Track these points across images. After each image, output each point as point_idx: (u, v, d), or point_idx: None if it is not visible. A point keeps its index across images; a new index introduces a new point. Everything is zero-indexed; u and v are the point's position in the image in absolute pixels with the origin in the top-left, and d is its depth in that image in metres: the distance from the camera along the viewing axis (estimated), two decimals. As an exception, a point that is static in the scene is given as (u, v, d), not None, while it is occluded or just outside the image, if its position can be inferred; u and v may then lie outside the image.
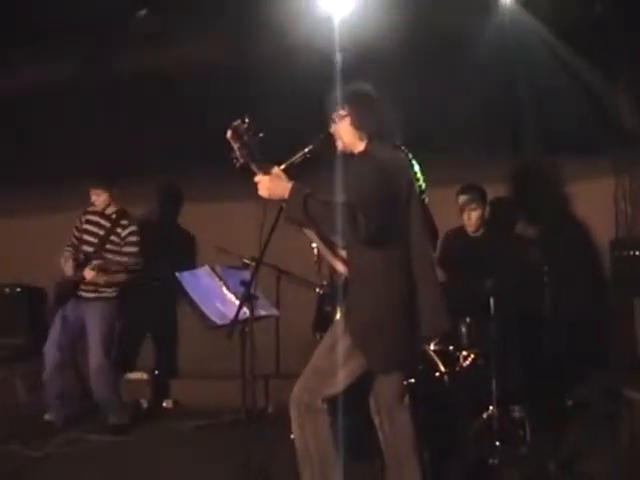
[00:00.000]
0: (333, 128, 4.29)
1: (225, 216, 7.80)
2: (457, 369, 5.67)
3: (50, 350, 6.63)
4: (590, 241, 6.95)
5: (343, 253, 4.23)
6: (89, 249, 6.73)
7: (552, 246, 6.68)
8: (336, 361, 4.08)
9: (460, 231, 6.38)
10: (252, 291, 4.26)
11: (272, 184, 3.98)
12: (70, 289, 6.67)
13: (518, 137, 6.70)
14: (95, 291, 6.69)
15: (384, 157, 4.10)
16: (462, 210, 6.27)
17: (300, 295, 6.53)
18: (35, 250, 7.54)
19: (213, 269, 4.99)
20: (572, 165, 6.93)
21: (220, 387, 7.21)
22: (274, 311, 5.12)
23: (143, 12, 6.48)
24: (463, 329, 5.79)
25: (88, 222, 6.84)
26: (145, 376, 7.63)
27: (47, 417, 6.82)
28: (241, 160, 3.92)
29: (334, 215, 3.84)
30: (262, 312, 4.87)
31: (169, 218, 8.21)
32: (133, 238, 6.76)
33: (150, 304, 7.90)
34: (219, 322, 4.64)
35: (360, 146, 4.25)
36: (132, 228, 6.77)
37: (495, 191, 6.71)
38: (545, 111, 6.54)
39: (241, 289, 4.50)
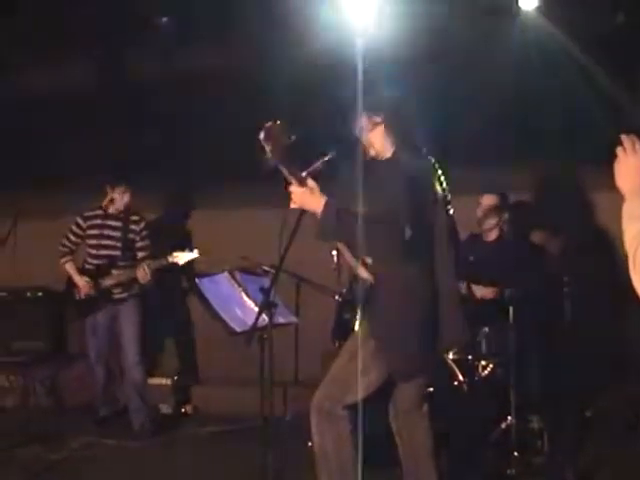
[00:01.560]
0: (363, 136, 4.28)
1: (244, 223, 7.80)
2: (476, 379, 5.65)
3: (98, 367, 6.84)
4: (611, 251, 6.89)
5: (368, 259, 4.21)
6: (114, 253, 6.73)
7: (573, 255, 6.64)
8: (356, 369, 4.08)
9: (476, 238, 6.34)
10: (271, 298, 4.25)
11: (306, 197, 4.01)
12: (99, 300, 6.72)
13: (540, 144, 6.64)
14: (126, 290, 6.72)
15: (412, 164, 4.10)
16: (484, 213, 6.22)
17: (319, 303, 6.50)
18: (56, 253, 7.54)
19: (232, 275, 4.97)
20: (594, 173, 6.80)
21: (239, 394, 7.19)
22: (293, 319, 5.10)
23: (163, 19, 6.48)
24: (482, 338, 5.76)
25: (96, 227, 6.80)
26: (168, 381, 7.61)
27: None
28: (272, 163, 3.92)
29: (367, 228, 3.85)
30: (281, 319, 4.84)
31: (183, 223, 8.22)
32: (146, 232, 6.81)
33: (170, 307, 7.93)
34: (239, 329, 4.62)
35: (388, 152, 4.25)
36: (144, 222, 6.83)
37: (515, 198, 6.65)
38: (568, 119, 6.49)
39: (260, 296, 4.50)
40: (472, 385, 5.57)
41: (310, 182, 4.06)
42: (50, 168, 7.75)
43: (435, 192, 4.20)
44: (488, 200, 6.23)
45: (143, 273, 6.51)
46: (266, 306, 4.13)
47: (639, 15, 6.25)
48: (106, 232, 6.77)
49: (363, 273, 4.21)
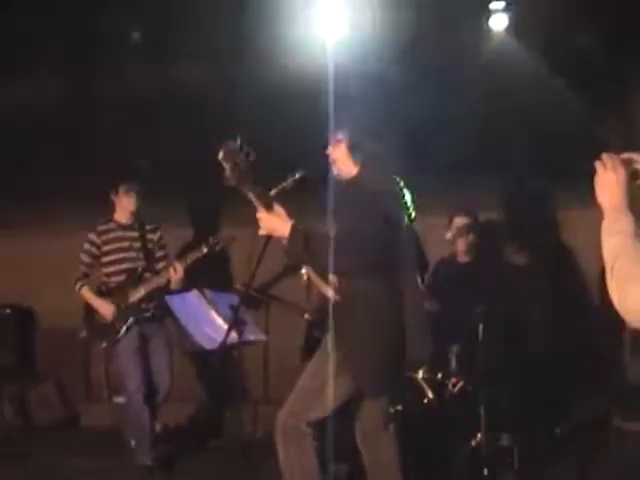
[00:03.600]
0: (329, 151, 4.30)
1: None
2: (446, 396, 5.63)
3: (138, 397, 6.02)
4: (579, 270, 6.94)
5: (334, 279, 4.23)
6: (138, 265, 6.16)
7: (541, 274, 6.65)
8: (321, 385, 4.10)
9: (451, 259, 6.32)
10: (240, 315, 4.25)
11: (273, 223, 4.02)
12: (128, 317, 6.05)
13: (509, 163, 6.66)
14: (158, 307, 6.02)
15: (377, 184, 4.11)
16: (455, 234, 6.17)
17: (290, 321, 6.44)
18: (24, 271, 7.47)
19: (202, 293, 4.97)
20: (562, 192, 6.91)
21: (208, 411, 7.16)
22: (262, 336, 5.10)
23: (136, 35, 6.46)
24: (452, 356, 5.75)
25: (113, 240, 6.19)
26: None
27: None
28: (232, 182, 3.93)
29: (333, 246, 3.89)
30: (251, 337, 4.85)
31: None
32: (163, 241, 6.36)
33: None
34: (208, 347, 4.62)
35: (353, 171, 4.25)
36: (160, 231, 6.35)
37: (485, 217, 6.64)
38: (537, 137, 6.52)
39: (230, 313, 4.50)
40: (442, 403, 5.55)
41: (277, 208, 4.08)
42: (21, 185, 7.64)
43: (400, 210, 4.22)
44: (459, 221, 6.18)
45: (175, 271, 5.91)
46: (235, 323, 4.11)
47: (604, 34, 6.29)
48: (126, 244, 6.19)
49: (329, 292, 4.22)
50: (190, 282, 5.78)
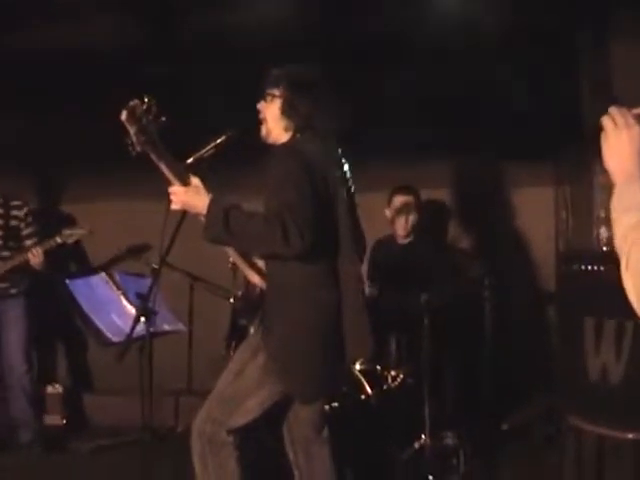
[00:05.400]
0: (260, 105, 3.72)
1: (131, 216, 7.14)
2: (384, 388, 5.16)
3: None
4: (531, 253, 6.53)
5: (260, 263, 3.74)
6: None
7: (490, 258, 6.21)
8: (245, 387, 3.55)
9: (390, 239, 5.91)
10: (152, 303, 3.66)
11: (188, 197, 3.45)
12: None
13: (455, 138, 6.16)
14: (13, 285, 6.05)
15: (311, 151, 3.53)
16: (396, 213, 5.80)
17: (216, 304, 5.96)
18: None
19: (111, 276, 4.37)
20: (511, 170, 6.52)
21: (126, 403, 6.59)
22: (180, 326, 4.52)
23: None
24: (392, 346, 5.28)
25: None
26: (58, 390, 6.87)
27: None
28: (137, 148, 3.32)
29: (260, 229, 3.32)
30: (166, 327, 4.28)
31: (62, 216, 7.38)
32: (31, 218, 6.18)
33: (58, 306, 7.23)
34: (115, 339, 4.03)
35: (283, 137, 3.68)
36: (27, 207, 6.20)
37: (427, 195, 6.23)
38: (485, 112, 6.06)
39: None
40: (381, 398, 5.09)
41: (193, 179, 3.51)
42: None
43: (338, 185, 3.64)
44: (400, 200, 5.81)
45: (34, 255, 5.88)
46: (143, 313, 3.52)
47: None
48: None
49: (254, 278, 3.74)
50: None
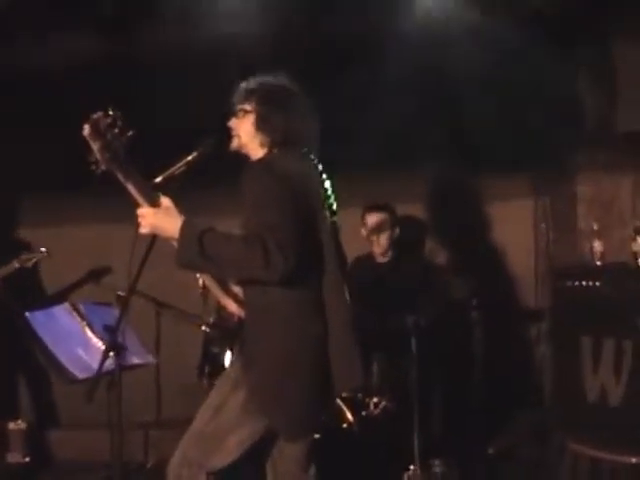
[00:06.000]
0: (232, 122, 3.45)
1: (96, 240, 6.83)
2: (365, 415, 4.94)
3: None
4: (510, 268, 6.31)
5: (237, 289, 3.44)
6: None
7: (472, 275, 5.98)
8: (225, 424, 3.24)
9: (368, 258, 5.71)
10: (121, 335, 3.37)
11: (157, 219, 3.13)
12: None
13: (430, 150, 5.97)
14: None
15: (289, 167, 3.26)
16: (370, 232, 5.62)
17: (185, 331, 5.73)
18: None
19: (75, 307, 4.06)
20: (490, 182, 6.29)
21: (93, 438, 6.28)
22: (150, 359, 4.23)
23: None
24: (374, 372, 5.04)
25: None
26: (22, 425, 6.46)
27: None
28: (102, 166, 3.01)
29: (238, 252, 3.03)
30: (135, 360, 3.99)
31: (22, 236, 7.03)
32: None
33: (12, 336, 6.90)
34: (80, 375, 3.72)
35: (259, 153, 3.40)
36: None
37: (404, 210, 6.02)
38: (462, 122, 5.86)
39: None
40: (364, 426, 4.86)
41: (163, 200, 3.20)
42: None
43: (320, 203, 3.37)
44: (374, 218, 5.64)
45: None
46: (112, 348, 3.22)
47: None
48: None
49: (231, 306, 3.45)
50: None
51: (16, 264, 5.78)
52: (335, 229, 3.45)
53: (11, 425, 6.40)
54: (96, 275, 6.52)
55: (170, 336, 5.88)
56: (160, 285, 5.60)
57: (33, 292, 6.74)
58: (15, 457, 6.40)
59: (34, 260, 5.87)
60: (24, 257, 5.80)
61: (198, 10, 5.49)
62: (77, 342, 3.90)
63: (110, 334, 3.32)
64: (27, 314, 3.87)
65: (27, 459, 6.43)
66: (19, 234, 6.96)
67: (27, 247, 6.25)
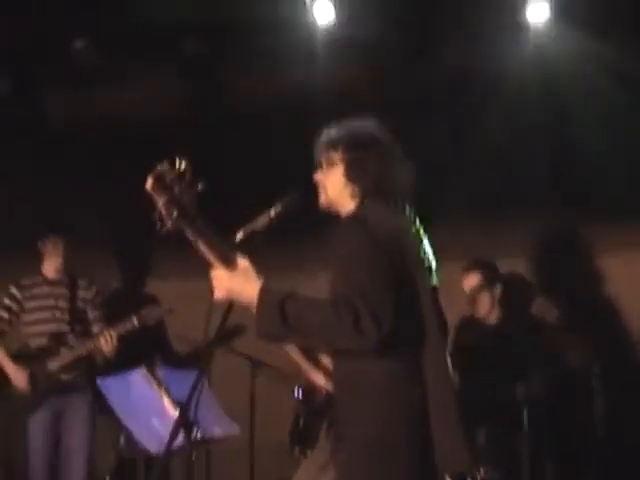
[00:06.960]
0: (318, 175, 3.13)
1: (189, 296, 6.47)
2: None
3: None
4: (627, 327, 5.81)
5: (327, 360, 3.12)
6: (62, 328, 5.48)
7: (588, 336, 5.51)
8: None
9: (472, 319, 5.37)
10: (193, 410, 3.02)
11: (233, 284, 2.81)
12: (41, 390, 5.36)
13: (540, 200, 5.71)
14: (77, 376, 5.41)
15: (384, 220, 2.91)
16: (470, 294, 5.32)
17: (282, 392, 5.27)
18: None
19: (152, 372, 3.76)
20: (605, 234, 5.82)
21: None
22: (234, 429, 3.89)
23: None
24: (481, 442, 4.66)
25: (36, 297, 5.54)
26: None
27: None
28: (168, 224, 2.68)
29: (326, 319, 2.70)
30: (217, 432, 3.65)
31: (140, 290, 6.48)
32: (99, 300, 5.67)
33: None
34: (154, 450, 3.41)
35: (349, 205, 3.06)
36: (95, 287, 5.68)
37: (511, 266, 5.68)
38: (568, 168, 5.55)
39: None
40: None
41: (241, 261, 2.84)
42: None
43: (417, 262, 2.99)
44: (472, 279, 5.35)
45: (106, 341, 5.21)
46: (182, 425, 2.89)
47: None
48: (50, 302, 5.54)
49: (319, 379, 3.14)
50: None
51: (135, 321, 5.27)
52: (435, 292, 3.07)
53: None
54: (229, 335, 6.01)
55: (266, 396, 5.53)
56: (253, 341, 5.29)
57: (161, 350, 6.10)
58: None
59: (155, 318, 5.39)
60: (143, 313, 5.30)
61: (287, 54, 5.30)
62: (152, 411, 3.60)
63: (181, 409, 2.99)
64: (99, 381, 3.59)
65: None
66: (146, 287, 6.43)
67: (152, 302, 5.78)
